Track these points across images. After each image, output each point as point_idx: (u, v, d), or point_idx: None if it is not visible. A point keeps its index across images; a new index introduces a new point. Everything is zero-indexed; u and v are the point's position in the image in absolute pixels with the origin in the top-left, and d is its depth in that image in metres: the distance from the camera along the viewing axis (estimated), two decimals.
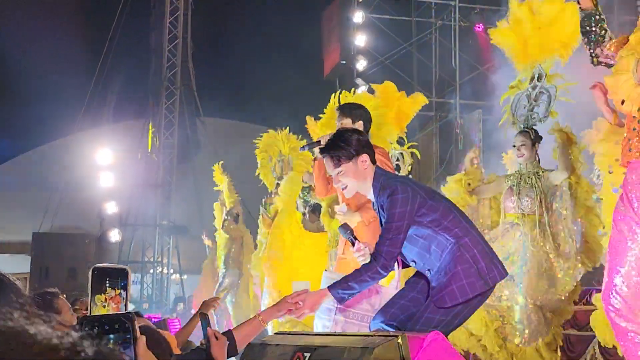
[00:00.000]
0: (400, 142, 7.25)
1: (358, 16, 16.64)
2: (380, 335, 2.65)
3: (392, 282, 4.12)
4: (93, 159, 16.89)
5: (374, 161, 3.79)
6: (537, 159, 5.92)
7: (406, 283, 3.89)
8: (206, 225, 12.27)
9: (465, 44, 17.08)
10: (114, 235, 16.97)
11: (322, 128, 7.00)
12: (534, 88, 5.82)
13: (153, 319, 9.82)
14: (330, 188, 5.61)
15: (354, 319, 4.06)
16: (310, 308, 3.63)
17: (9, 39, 17.45)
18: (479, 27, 16.95)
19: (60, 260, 15.02)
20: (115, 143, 17.07)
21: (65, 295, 9.50)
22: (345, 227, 4.25)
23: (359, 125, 5.40)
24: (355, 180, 3.73)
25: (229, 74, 19.26)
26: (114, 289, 1.90)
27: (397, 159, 7.37)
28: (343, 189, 3.82)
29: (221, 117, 20.20)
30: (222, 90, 18.85)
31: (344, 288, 3.61)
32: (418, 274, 3.82)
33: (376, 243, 3.64)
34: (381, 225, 3.71)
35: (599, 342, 5.83)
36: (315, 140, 5.91)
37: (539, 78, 5.86)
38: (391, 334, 2.65)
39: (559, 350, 5.90)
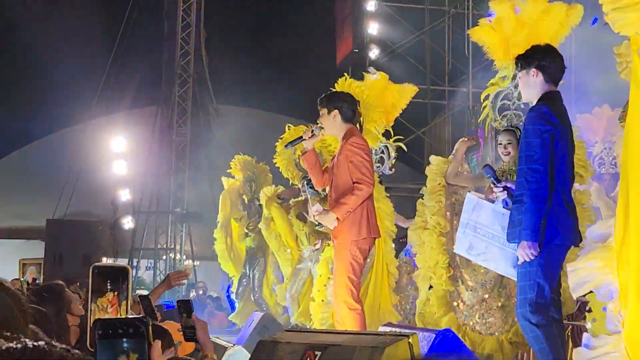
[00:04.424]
0: (386, 134, 7.16)
1: (371, 4, 16.57)
2: (391, 335, 2.69)
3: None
4: (107, 147, 16.96)
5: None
6: None
7: None
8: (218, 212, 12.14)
9: None
10: (128, 222, 17.05)
11: None
12: (515, 87, 5.65)
13: (167, 306, 9.92)
14: (326, 179, 5.60)
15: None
16: None
17: (27, 28, 17.56)
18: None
19: (74, 247, 15.06)
20: (128, 131, 17.13)
21: (79, 283, 9.50)
22: (489, 167, 4.69)
23: (335, 114, 5.49)
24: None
25: (243, 62, 19.24)
26: (113, 292, 1.83)
27: (382, 152, 7.28)
28: None
29: (235, 105, 20.20)
30: (236, 78, 18.82)
31: None
32: None
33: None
34: None
35: None
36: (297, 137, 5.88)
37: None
38: (402, 333, 2.70)
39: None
